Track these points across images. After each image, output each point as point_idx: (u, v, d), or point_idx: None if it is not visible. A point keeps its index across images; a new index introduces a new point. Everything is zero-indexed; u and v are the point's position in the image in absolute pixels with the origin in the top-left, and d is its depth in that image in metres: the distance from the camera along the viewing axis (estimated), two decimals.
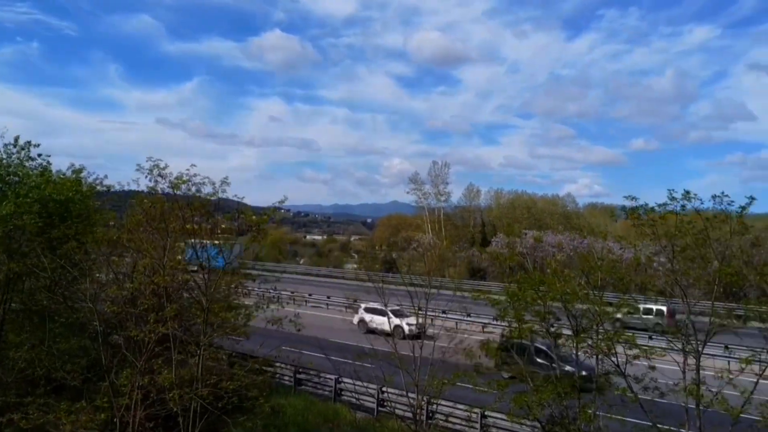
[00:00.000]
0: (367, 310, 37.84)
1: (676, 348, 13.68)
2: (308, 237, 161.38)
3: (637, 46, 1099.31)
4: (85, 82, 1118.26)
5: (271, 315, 16.65)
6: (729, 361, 24.02)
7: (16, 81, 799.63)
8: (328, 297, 48.33)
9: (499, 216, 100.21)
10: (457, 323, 36.65)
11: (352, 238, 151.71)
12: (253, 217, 17.24)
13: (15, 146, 18.89)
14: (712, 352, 14.29)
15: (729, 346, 27.62)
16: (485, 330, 36.53)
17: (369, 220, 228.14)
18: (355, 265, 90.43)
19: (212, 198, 15.79)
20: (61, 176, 20.39)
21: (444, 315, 35.33)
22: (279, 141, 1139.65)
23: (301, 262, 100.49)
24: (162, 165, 15.58)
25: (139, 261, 16.34)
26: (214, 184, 15.47)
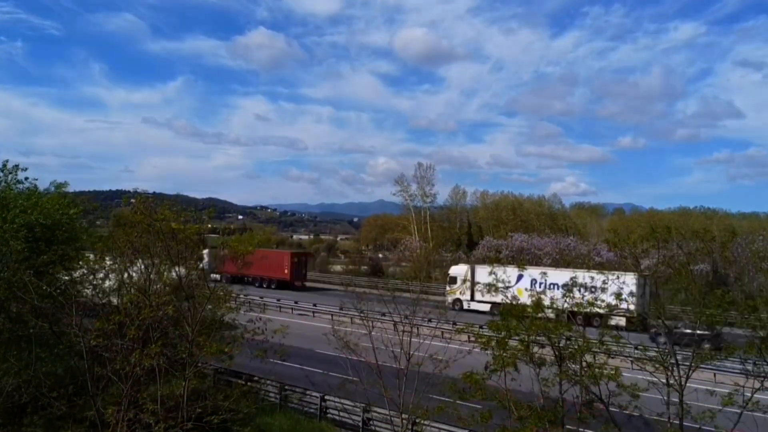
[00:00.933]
0: None
1: (659, 381, 13.91)
2: (294, 237, 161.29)
3: (622, 43, 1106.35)
4: (70, 82, 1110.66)
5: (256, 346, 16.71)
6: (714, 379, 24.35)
7: (1, 81, 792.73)
8: (315, 305, 48.34)
9: (485, 217, 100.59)
10: (442, 333, 36.66)
11: (338, 238, 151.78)
12: (238, 242, 17.31)
13: (3, 170, 18.93)
14: (696, 385, 14.42)
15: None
16: (470, 340, 36.59)
17: (356, 219, 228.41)
18: (341, 267, 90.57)
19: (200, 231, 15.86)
20: (47, 193, 20.39)
21: (430, 324, 35.43)
22: (264, 140, 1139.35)
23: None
24: (148, 195, 15.65)
25: (124, 291, 16.36)
26: (202, 215, 15.55)
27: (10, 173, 19.15)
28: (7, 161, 19.14)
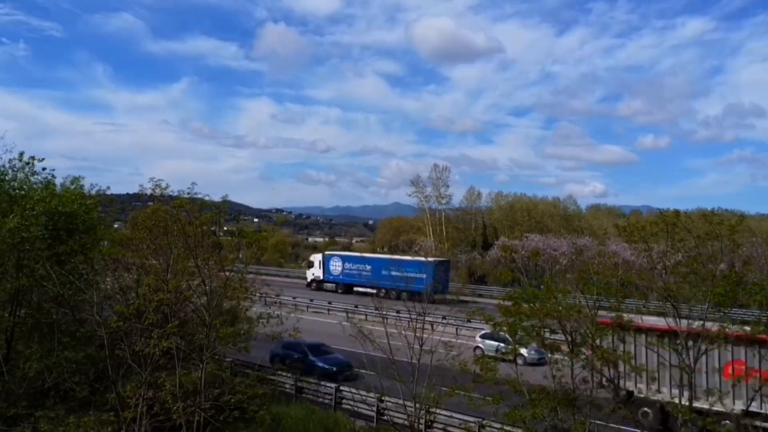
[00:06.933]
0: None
1: (670, 364, 14.07)
2: (310, 239, 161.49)
3: (629, 40, 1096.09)
4: (74, 84, 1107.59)
5: (270, 330, 17.02)
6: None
7: (7, 83, 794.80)
8: (329, 303, 48.72)
9: (499, 219, 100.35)
10: (457, 329, 36.91)
11: (353, 241, 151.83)
12: (253, 233, 17.62)
13: (20, 161, 19.26)
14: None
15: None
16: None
17: (371, 222, 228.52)
18: None
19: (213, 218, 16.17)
20: (66, 189, 20.78)
21: (444, 321, 35.77)
22: (274, 142, 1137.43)
23: (303, 265, 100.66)
24: (164, 185, 15.99)
25: (143, 278, 16.72)
26: (217, 206, 15.86)
27: (28, 164, 19.45)
28: (23, 153, 19.40)
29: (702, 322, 13.95)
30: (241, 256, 20.06)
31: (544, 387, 14.88)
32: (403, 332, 17.79)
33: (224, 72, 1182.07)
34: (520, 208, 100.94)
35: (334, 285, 63.15)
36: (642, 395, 18.48)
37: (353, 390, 22.28)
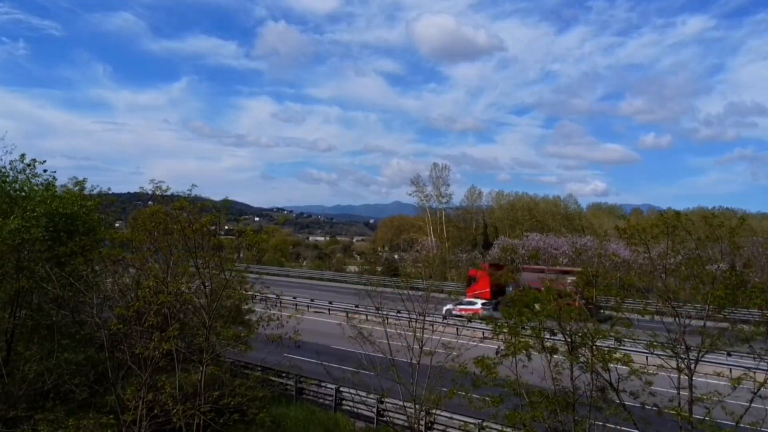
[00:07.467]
0: None
1: (669, 366, 14.01)
2: (311, 238, 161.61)
3: (629, 38, 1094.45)
4: (75, 83, 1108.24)
5: (270, 332, 17.02)
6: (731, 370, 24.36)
7: (6, 82, 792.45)
8: (330, 302, 48.76)
9: (500, 218, 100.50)
10: (458, 329, 36.87)
11: (354, 240, 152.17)
12: (253, 234, 17.61)
13: (22, 163, 19.30)
14: (706, 370, 14.52)
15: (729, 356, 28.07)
16: (485, 336, 36.76)
17: (371, 221, 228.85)
18: (356, 268, 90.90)
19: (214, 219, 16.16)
20: (66, 190, 20.79)
21: (444, 321, 35.72)
22: (275, 141, 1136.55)
23: (304, 264, 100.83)
24: (164, 187, 16.00)
25: (143, 281, 16.71)
26: (217, 207, 15.86)
27: (29, 166, 19.52)
28: (24, 155, 19.47)
29: (702, 322, 13.91)
30: (241, 256, 20.08)
31: (544, 389, 14.86)
32: (403, 333, 17.81)
33: (224, 71, 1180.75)
34: (521, 207, 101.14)
35: None
36: None
37: (353, 391, 22.27)
